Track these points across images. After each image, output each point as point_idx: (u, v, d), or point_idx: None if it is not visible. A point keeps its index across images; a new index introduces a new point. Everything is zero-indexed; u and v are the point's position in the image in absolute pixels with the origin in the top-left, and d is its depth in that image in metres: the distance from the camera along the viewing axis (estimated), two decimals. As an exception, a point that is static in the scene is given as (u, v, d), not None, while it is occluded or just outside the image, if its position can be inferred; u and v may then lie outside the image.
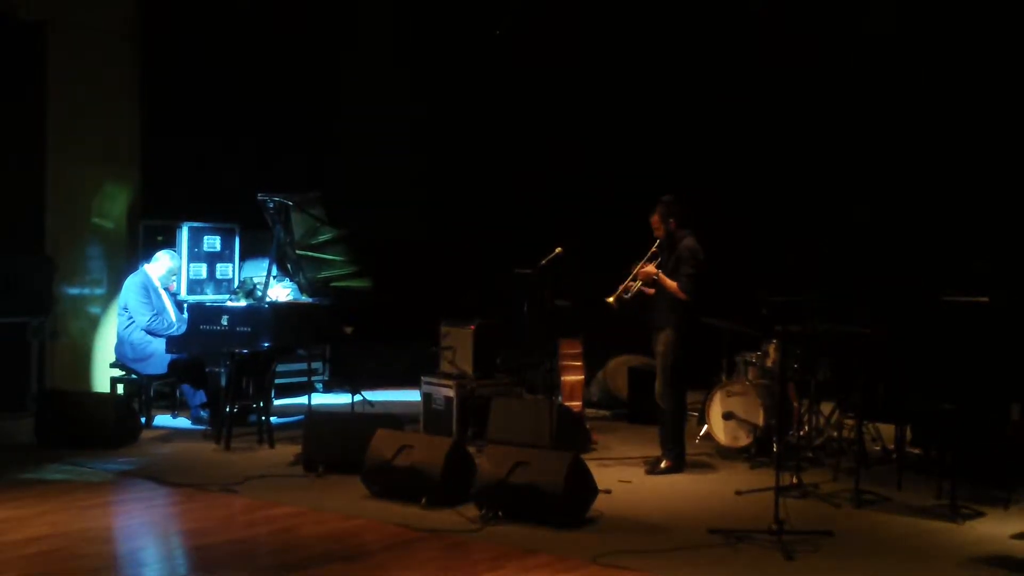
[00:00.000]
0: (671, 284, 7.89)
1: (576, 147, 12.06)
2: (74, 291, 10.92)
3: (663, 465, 8.08)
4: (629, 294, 7.98)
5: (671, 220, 8.01)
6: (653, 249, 8.03)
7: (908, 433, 8.23)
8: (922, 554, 6.16)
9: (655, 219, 8.03)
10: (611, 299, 7.94)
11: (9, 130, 10.66)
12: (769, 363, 8.80)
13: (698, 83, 11.42)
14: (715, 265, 8.07)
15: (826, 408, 8.70)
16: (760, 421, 8.52)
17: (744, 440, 8.64)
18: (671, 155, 11.33)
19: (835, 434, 8.55)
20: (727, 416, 8.68)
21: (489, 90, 12.58)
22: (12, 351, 10.23)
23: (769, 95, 11.00)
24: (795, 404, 8.61)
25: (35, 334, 10.37)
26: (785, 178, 10.84)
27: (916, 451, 8.27)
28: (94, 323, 10.97)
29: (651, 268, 7.98)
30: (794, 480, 7.45)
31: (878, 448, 8.47)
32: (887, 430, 8.41)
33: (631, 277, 7.98)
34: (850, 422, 8.42)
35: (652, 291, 8.03)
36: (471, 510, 6.78)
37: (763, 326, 8.26)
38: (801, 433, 8.53)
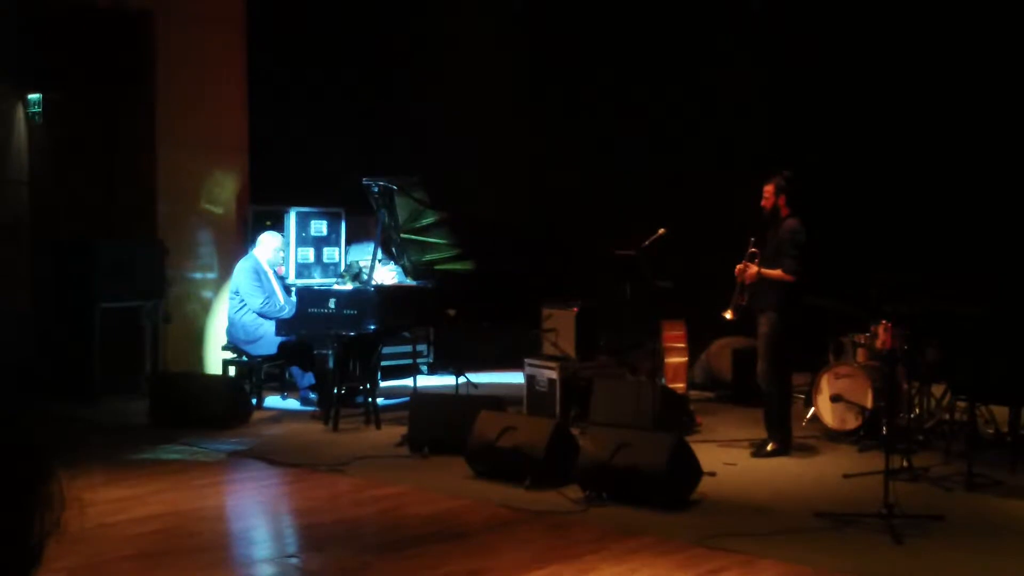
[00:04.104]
0: (775, 273, 7.82)
1: (675, 128, 11.92)
2: (186, 275, 11.17)
3: (769, 448, 8.00)
4: (744, 302, 7.98)
5: (781, 196, 7.92)
6: (751, 249, 7.96)
7: (1022, 415, 8.01)
8: (1037, 539, 6.01)
9: (769, 188, 7.96)
10: (727, 313, 8.00)
11: (121, 119, 10.95)
12: (878, 344, 8.63)
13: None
14: (821, 245, 7.94)
15: (937, 390, 8.52)
16: (869, 403, 8.37)
17: (852, 423, 8.50)
18: (778, 133, 11.15)
19: (946, 416, 8.36)
20: (835, 398, 8.54)
21: (592, 69, 12.49)
22: (127, 334, 10.50)
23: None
24: (905, 386, 8.44)
25: (149, 317, 10.63)
26: (906, 159, 10.55)
27: (1031, 434, 8.06)
28: (206, 307, 11.21)
29: (753, 270, 7.92)
30: (904, 463, 7.30)
31: (991, 431, 8.26)
32: (1000, 412, 8.20)
33: (739, 288, 7.98)
34: (962, 404, 8.23)
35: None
36: (574, 491, 6.78)
37: (872, 306, 8.10)
38: (911, 415, 8.36)
